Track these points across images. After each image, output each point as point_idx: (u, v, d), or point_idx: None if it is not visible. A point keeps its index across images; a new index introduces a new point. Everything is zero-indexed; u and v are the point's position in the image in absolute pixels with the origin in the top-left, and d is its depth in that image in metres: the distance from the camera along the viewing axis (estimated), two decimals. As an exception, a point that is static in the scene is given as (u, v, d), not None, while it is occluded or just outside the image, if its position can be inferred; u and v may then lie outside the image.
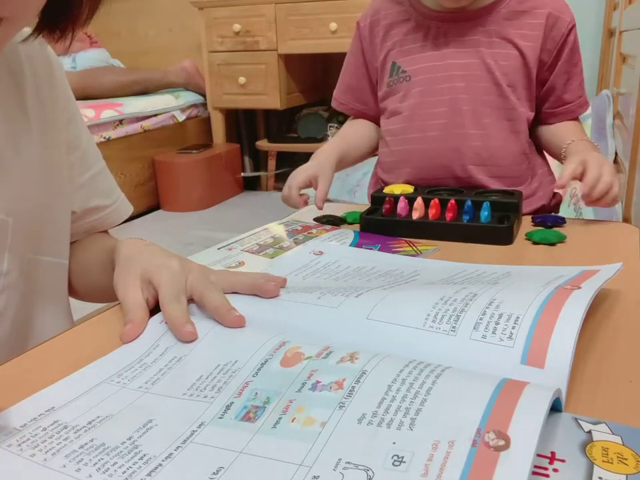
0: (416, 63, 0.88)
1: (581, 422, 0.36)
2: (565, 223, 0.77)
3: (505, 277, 0.55)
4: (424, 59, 0.87)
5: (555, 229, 0.75)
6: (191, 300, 0.53)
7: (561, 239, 0.71)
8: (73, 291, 0.74)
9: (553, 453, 0.33)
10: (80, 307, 0.76)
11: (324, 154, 0.91)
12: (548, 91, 0.90)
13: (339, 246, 0.73)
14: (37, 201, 0.64)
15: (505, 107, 0.87)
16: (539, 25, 0.85)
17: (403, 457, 0.31)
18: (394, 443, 0.32)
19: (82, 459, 0.35)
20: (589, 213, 1.74)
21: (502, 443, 0.31)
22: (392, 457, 0.31)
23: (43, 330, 0.67)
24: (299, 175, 0.86)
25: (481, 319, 0.44)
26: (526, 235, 0.74)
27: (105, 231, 0.78)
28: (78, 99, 0.74)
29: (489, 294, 0.47)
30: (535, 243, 0.72)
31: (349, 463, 0.32)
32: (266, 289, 0.53)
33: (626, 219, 1.66)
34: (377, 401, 0.35)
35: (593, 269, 0.54)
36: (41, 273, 0.66)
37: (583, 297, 0.44)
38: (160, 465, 0.34)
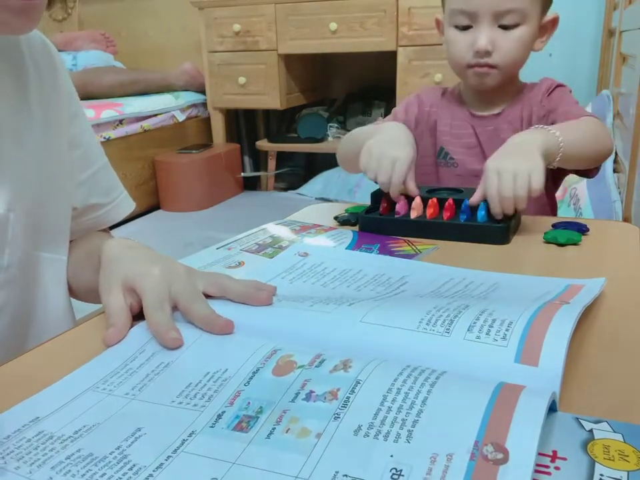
0: (461, 154, 1.09)
1: (582, 421, 0.35)
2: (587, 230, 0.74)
3: (493, 290, 0.55)
4: (466, 152, 1.09)
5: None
6: (175, 308, 0.51)
7: (574, 241, 0.70)
8: (71, 291, 0.73)
9: (554, 452, 0.33)
10: (81, 307, 0.75)
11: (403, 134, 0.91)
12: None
13: (324, 247, 0.71)
14: (37, 197, 0.63)
15: None
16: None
17: (401, 470, 0.31)
18: (391, 455, 0.31)
19: (69, 470, 0.34)
20: (588, 213, 1.74)
21: (500, 456, 0.30)
22: (390, 470, 0.31)
23: (43, 326, 0.66)
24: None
25: (474, 323, 0.44)
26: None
27: (106, 229, 0.78)
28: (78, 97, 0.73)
29: (481, 306, 0.47)
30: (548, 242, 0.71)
31: (346, 476, 0.31)
32: (257, 297, 0.52)
33: (626, 219, 1.66)
34: (373, 412, 0.34)
35: (577, 283, 0.54)
36: (40, 268, 0.66)
37: (572, 310, 0.45)
38: (150, 475, 0.33)
